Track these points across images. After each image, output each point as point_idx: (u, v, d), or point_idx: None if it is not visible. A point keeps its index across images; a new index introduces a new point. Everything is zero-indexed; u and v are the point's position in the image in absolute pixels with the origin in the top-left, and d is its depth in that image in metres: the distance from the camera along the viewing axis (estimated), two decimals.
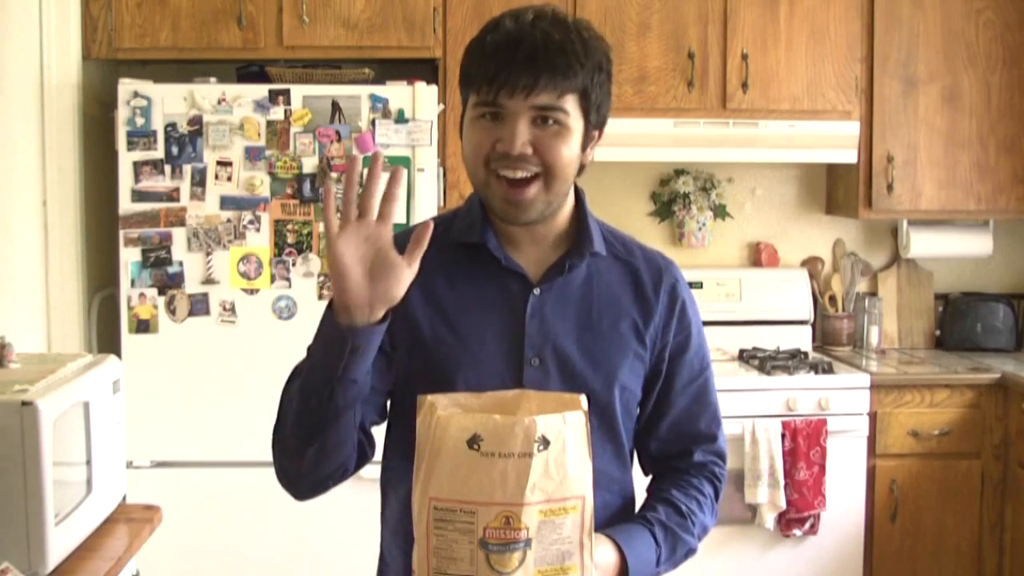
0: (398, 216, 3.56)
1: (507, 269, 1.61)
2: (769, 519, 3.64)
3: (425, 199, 3.46)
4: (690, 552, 1.66)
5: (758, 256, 4.32)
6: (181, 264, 3.45)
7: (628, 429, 1.68)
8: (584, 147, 1.59)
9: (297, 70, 3.62)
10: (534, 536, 1.38)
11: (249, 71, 3.72)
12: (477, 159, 1.55)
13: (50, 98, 3.46)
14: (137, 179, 3.44)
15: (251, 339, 3.46)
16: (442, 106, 3.64)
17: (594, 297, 1.64)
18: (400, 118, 3.46)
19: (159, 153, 3.43)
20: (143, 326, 3.46)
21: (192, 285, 3.45)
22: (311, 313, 3.45)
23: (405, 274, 1.44)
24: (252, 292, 3.47)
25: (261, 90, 3.47)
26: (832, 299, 4.29)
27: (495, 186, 1.55)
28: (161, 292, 3.45)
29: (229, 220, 3.45)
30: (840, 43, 3.94)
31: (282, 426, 1.61)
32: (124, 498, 2.50)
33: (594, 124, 1.59)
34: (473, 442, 1.37)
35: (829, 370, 3.82)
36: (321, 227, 3.45)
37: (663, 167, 4.28)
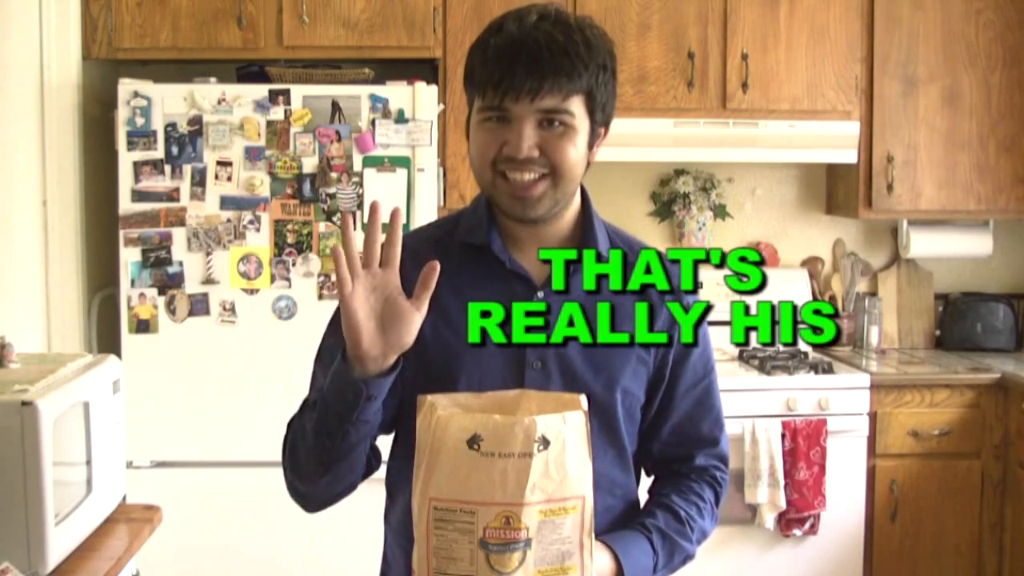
0: None
1: (511, 271, 1.61)
2: (769, 519, 3.64)
3: (425, 199, 3.46)
4: (688, 558, 1.66)
5: None
6: (181, 264, 3.45)
7: (631, 433, 1.67)
8: (591, 146, 1.59)
9: (297, 70, 3.62)
10: (534, 536, 1.38)
11: (249, 71, 3.72)
12: (484, 162, 1.55)
13: (50, 98, 3.46)
14: (137, 179, 3.44)
15: (251, 339, 3.46)
16: (442, 106, 3.64)
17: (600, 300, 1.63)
18: (400, 118, 3.46)
19: (159, 153, 3.43)
20: (143, 326, 3.46)
21: (192, 285, 3.45)
22: (311, 313, 3.45)
23: (415, 319, 1.46)
24: (252, 292, 3.47)
25: (261, 90, 3.46)
26: (832, 299, 4.29)
27: (502, 186, 1.55)
28: (161, 292, 3.45)
29: (229, 220, 3.45)
30: (840, 43, 3.94)
31: (294, 455, 1.60)
32: (124, 498, 2.50)
33: (600, 122, 1.58)
34: (473, 442, 1.37)
35: (829, 370, 3.82)
36: (321, 227, 3.46)
37: (663, 167, 4.28)
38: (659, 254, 1.73)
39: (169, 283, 3.45)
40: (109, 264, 3.62)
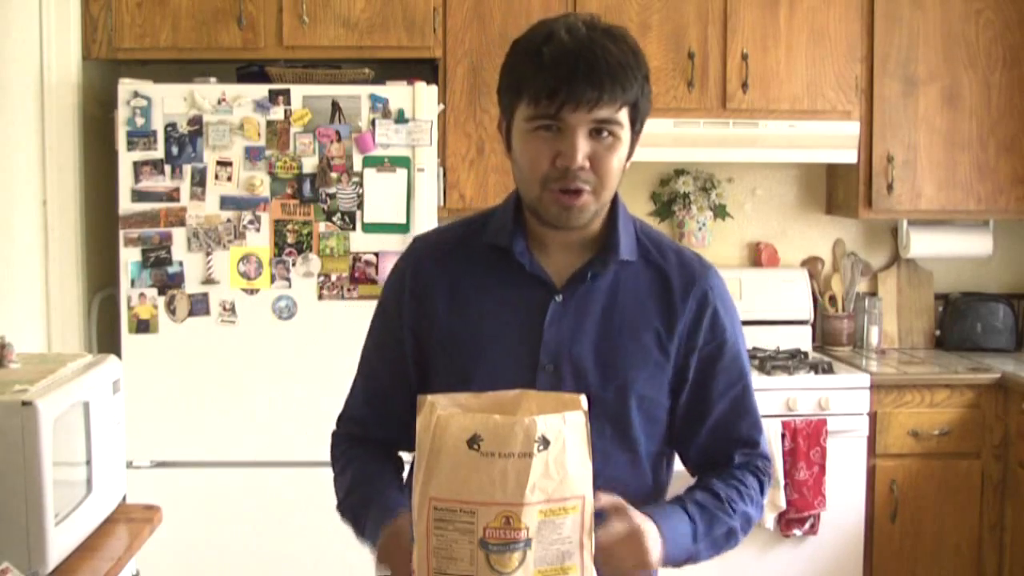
0: (399, 218, 3.58)
1: (531, 274, 1.62)
2: (769, 519, 3.64)
3: (425, 199, 3.46)
4: (731, 534, 1.65)
5: (758, 256, 4.32)
6: (181, 264, 3.45)
7: (650, 433, 1.67)
8: (628, 156, 1.61)
9: (297, 70, 3.62)
10: (534, 536, 1.38)
11: (249, 71, 3.72)
12: (535, 176, 1.56)
13: (50, 98, 3.46)
14: (137, 179, 3.44)
15: (251, 339, 3.46)
16: (442, 106, 3.64)
17: (617, 306, 1.63)
18: (400, 118, 3.46)
19: (159, 153, 3.44)
20: (143, 326, 3.46)
21: (192, 285, 3.45)
22: (311, 313, 3.45)
23: None
24: (252, 292, 3.47)
25: (261, 90, 3.47)
26: (832, 299, 4.29)
27: (548, 197, 1.56)
28: (161, 292, 3.45)
29: (229, 220, 3.45)
30: (840, 43, 3.94)
31: (336, 495, 1.75)
32: (124, 498, 2.50)
33: (637, 132, 1.61)
34: (473, 442, 1.37)
35: (829, 370, 3.82)
36: (321, 227, 3.46)
37: (663, 167, 4.28)
38: (693, 257, 1.72)
39: (169, 283, 3.45)
40: (109, 264, 3.62)
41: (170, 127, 3.43)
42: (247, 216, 3.45)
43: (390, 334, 1.71)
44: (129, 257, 3.45)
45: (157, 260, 3.45)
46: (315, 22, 3.68)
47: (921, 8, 3.97)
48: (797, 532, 3.68)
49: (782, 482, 3.62)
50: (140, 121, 3.43)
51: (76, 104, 3.55)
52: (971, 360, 4.07)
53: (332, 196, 3.45)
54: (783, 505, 3.62)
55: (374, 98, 3.47)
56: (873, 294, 4.35)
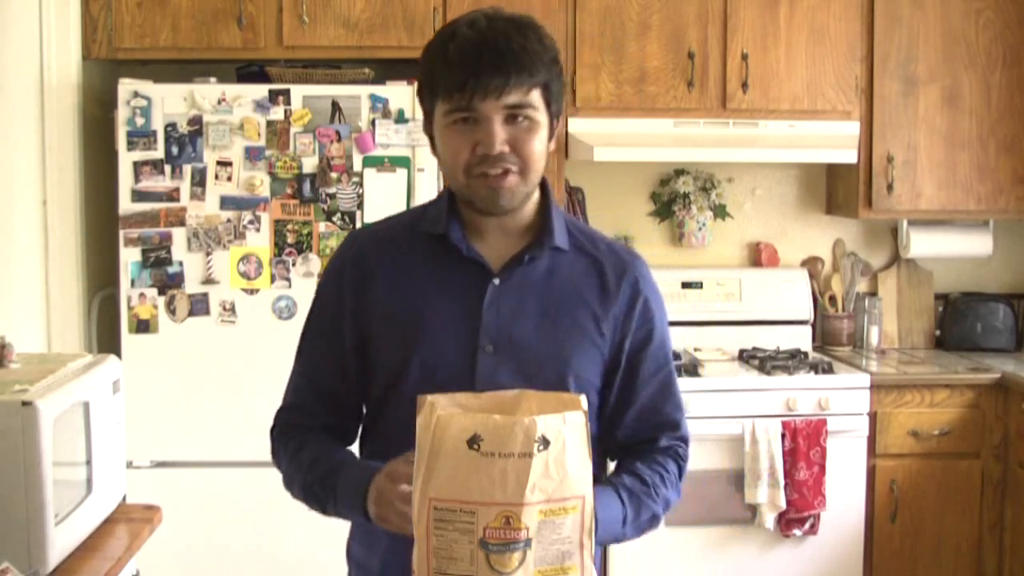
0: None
1: (468, 259, 1.67)
2: (769, 519, 3.64)
3: (425, 199, 3.44)
4: (654, 519, 1.69)
5: (758, 256, 4.32)
6: (181, 264, 3.45)
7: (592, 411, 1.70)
8: (550, 137, 1.67)
9: (297, 70, 3.62)
10: (534, 536, 1.38)
11: (249, 71, 3.72)
12: (457, 166, 1.61)
13: (50, 98, 3.46)
14: (137, 179, 3.44)
15: (251, 339, 3.46)
16: None
17: (554, 289, 1.68)
18: (400, 118, 3.46)
19: (159, 153, 3.44)
20: (143, 326, 3.46)
21: (192, 285, 3.45)
22: None
23: None
24: (252, 292, 3.47)
25: (261, 90, 3.47)
26: (832, 299, 4.29)
27: (476, 185, 1.61)
28: (161, 292, 3.45)
29: (229, 220, 3.45)
30: (840, 43, 3.94)
31: (288, 479, 1.78)
32: (124, 498, 2.50)
33: (555, 114, 1.67)
34: (473, 442, 1.37)
35: (829, 370, 3.82)
36: (322, 227, 3.46)
37: (663, 167, 4.27)
38: (621, 247, 1.79)
39: (169, 283, 3.45)
40: (109, 264, 3.62)
41: (170, 127, 3.44)
42: (247, 216, 3.45)
43: (330, 324, 1.74)
44: (129, 257, 3.45)
45: (157, 260, 3.45)
46: (315, 22, 3.68)
47: (921, 8, 3.97)
48: (797, 532, 3.68)
49: (782, 482, 3.62)
50: (140, 121, 3.43)
51: (76, 104, 3.55)
52: (971, 360, 4.07)
53: (332, 196, 3.46)
54: (783, 505, 3.62)
55: (374, 98, 3.47)
56: (873, 294, 4.35)
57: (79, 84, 3.57)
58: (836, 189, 4.27)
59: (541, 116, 1.62)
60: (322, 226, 3.46)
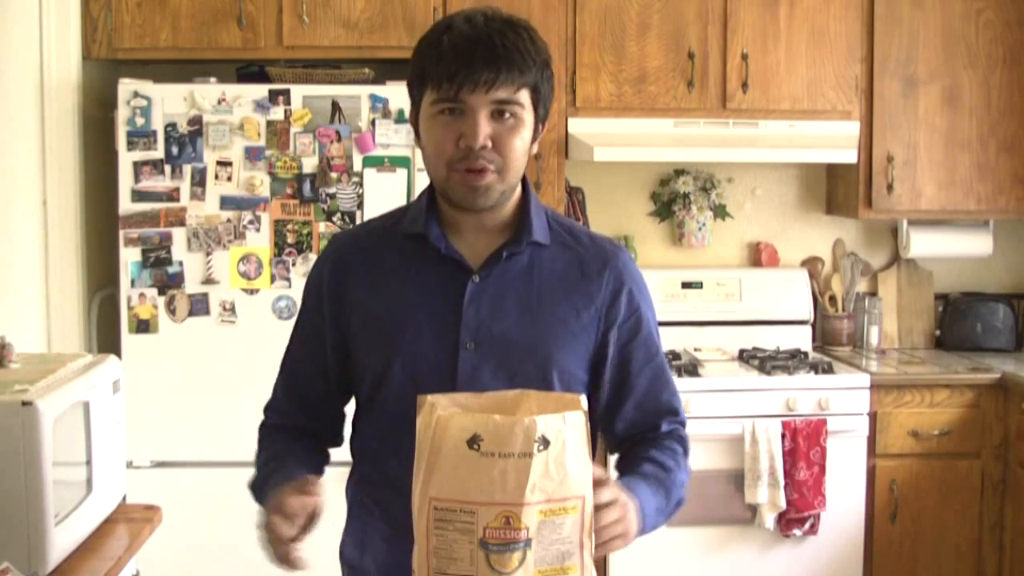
0: None
1: (447, 256, 1.68)
2: (769, 519, 3.64)
3: None
4: (680, 503, 1.71)
5: (758, 256, 4.32)
6: (181, 264, 3.45)
7: None
8: (533, 139, 1.67)
9: (297, 70, 3.62)
10: (534, 536, 1.38)
11: (249, 71, 3.72)
12: (440, 158, 1.62)
13: (50, 98, 3.46)
14: (137, 179, 3.44)
15: (251, 339, 3.46)
16: None
17: (535, 284, 1.69)
18: (400, 118, 3.46)
19: (159, 153, 3.44)
20: (143, 326, 3.46)
21: (192, 285, 3.45)
22: None
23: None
24: (252, 292, 3.47)
25: (261, 90, 3.47)
26: (832, 299, 4.29)
27: (455, 178, 1.62)
28: (161, 292, 3.45)
29: (229, 220, 3.45)
30: (840, 43, 3.94)
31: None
32: (124, 498, 2.50)
33: (541, 117, 1.67)
34: (473, 442, 1.37)
35: (829, 370, 3.82)
36: (321, 227, 3.46)
37: (663, 167, 4.27)
38: (604, 239, 1.79)
39: (169, 283, 3.45)
40: (109, 264, 3.62)
41: (170, 127, 3.44)
42: (247, 216, 3.45)
43: (311, 328, 1.77)
44: (129, 257, 3.45)
45: (157, 260, 3.45)
46: (315, 22, 3.68)
47: (921, 8, 3.97)
48: (797, 532, 3.68)
49: (782, 482, 3.62)
50: (140, 121, 3.43)
51: (76, 104, 3.55)
52: (971, 360, 4.07)
53: (332, 196, 3.46)
54: (783, 505, 3.62)
55: (374, 98, 3.47)
56: (873, 294, 4.35)
57: (79, 84, 3.57)
58: (836, 189, 4.27)
59: (527, 116, 1.62)
60: (322, 226, 3.46)
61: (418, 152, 3.43)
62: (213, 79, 3.53)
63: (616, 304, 1.72)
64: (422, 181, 3.46)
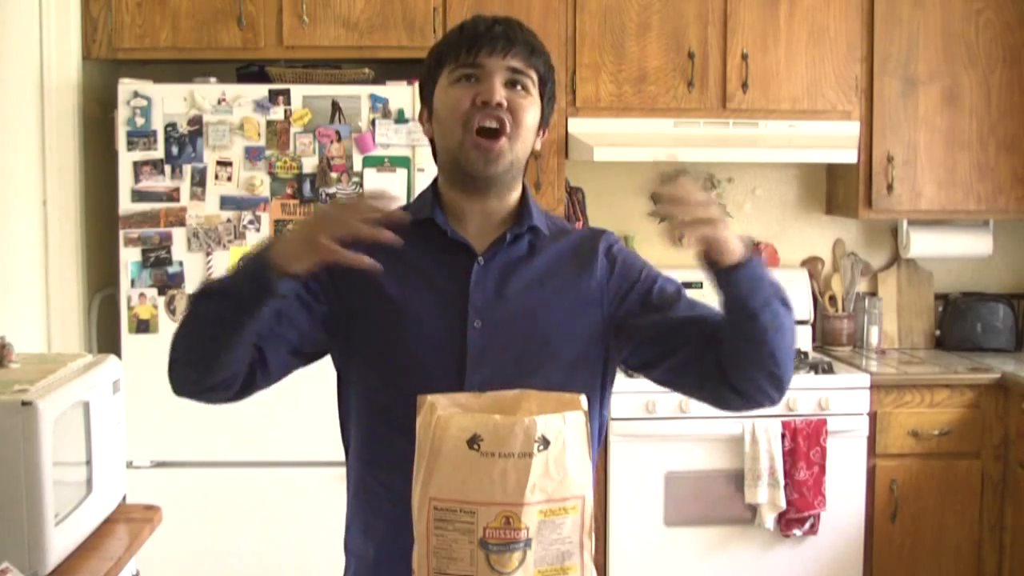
0: None
1: (453, 241, 1.73)
2: (769, 519, 3.64)
3: None
4: (789, 309, 1.70)
5: None
6: (181, 264, 3.45)
7: (580, 384, 1.66)
8: (539, 127, 1.75)
9: (297, 70, 3.62)
10: (534, 536, 1.38)
11: (249, 71, 3.72)
12: (456, 117, 1.68)
13: (50, 98, 3.46)
14: (137, 179, 3.44)
15: None
16: None
17: (536, 265, 1.75)
18: (400, 118, 3.46)
19: (159, 153, 3.44)
20: (143, 326, 3.46)
21: (192, 285, 3.45)
22: None
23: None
24: None
25: (261, 90, 3.47)
26: (832, 299, 4.29)
27: (468, 141, 1.68)
28: (161, 292, 3.45)
29: (229, 220, 3.45)
30: (840, 43, 3.94)
31: (185, 330, 1.70)
32: (124, 498, 2.50)
33: (545, 115, 1.75)
34: (473, 442, 1.37)
35: (829, 370, 3.82)
36: None
37: (663, 167, 4.27)
38: (592, 227, 1.90)
39: (169, 283, 3.45)
40: (109, 264, 3.62)
41: (170, 127, 3.44)
42: (247, 216, 3.45)
43: (308, 289, 1.71)
44: (129, 257, 3.45)
45: (157, 260, 3.45)
46: (315, 22, 3.68)
47: (921, 8, 3.97)
48: (797, 532, 3.68)
49: (782, 482, 3.62)
50: (140, 121, 3.43)
51: (76, 104, 3.55)
52: (971, 360, 4.07)
53: (332, 196, 3.46)
54: (783, 505, 3.62)
55: (374, 98, 3.47)
56: (873, 294, 4.35)
57: (79, 84, 3.57)
58: (836, 189, 4.27)
59: (535, 96, 1.71)
60: None
61: (419, 152, 3.45)
62: (213, 79, 3.53)
63: (616, 274, 1.78)
64: (422, 181, 3.47)
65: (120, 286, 3.47)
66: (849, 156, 3.95)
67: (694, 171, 4.25)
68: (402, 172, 3.47)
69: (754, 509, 3.66)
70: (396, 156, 3.46)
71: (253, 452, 3.42)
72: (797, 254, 4.37)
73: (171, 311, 3.45)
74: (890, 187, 3.99)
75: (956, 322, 4.27)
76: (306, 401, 3.39)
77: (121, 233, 3.45)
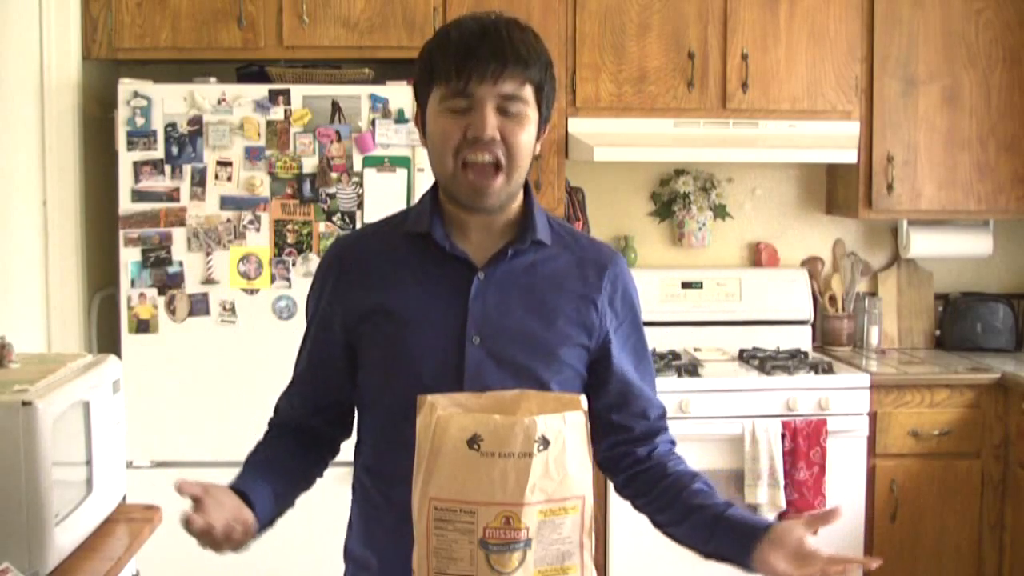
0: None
1: (451, 255, 1.70)
2: (769, 519, 3.63)
3: None
4: None
5: (758, 256, 4.32)
6: (181, 264, 3.45)
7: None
8: (537, 138, 1.69)
9: (297, 70, 3.62)
10: (534, 536, 1.38)
11: (249, 71, 3.72)
12: (446, 149, 1.64)
13: (50, 98, 3.46)
14: (137, 179, 3.44)
15: (251, 339, 3.46)
16: None
17: (537, 281, 1.72)
18: (400, 118, 3.46)
19: (159, 153, 3.44)
20: (143, 326, 3.46)
21: (192, 285, 3.45)
22: None
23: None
24: (252, 292, 3.47)
25: (261, 90, 3.47)
26: (832, 299, 4.29)
27: (462, 176, 1.64)
28: (161, 292, 3.45)
29: (229, 220, 3.45)
30: (840, 43, 3.94)
31: None
32: (124, 498, 2.50)
33: (545, 117, 1.70)
34: (473, 442, 1.37)
35: (829, 370, 3.82)
36: (321, 227, 3.46)
37: (663, 167, 4.27)
38: (601, 243, 1.84)
39: (169, 283, 3.45)
40: (109, 264, 3.62)
41: (170, 127, 3.44)
42: (247, 216, 3.45)
43: (324, 323, 1.78)
44: (129, 257, 3.45)
45: (157, 260, 3.45)
46: (315, 22, 3.68)
47: (921, 8, 3.97)
48: None
49: (782, 482, 3.62)
50: (140, 121, 3.43)
51: (76, 104, 3.55)
52: (971, 360, 4.07)
53: (332, 196, 3.45)
54: (783, 505, 3.62)
55: (374, 98, 3.47)
56: (873, 294, 4.35)
57: (79, 84, 3.57)
58: (836, 189, 4.27)
59: (531, 113, 1.64)
60: (322, 226, 3.46)
61: (418, 152, 3.45)
62: (213, 79, 3.52)
63: (614, 306, 1.75)
64: (422, 181, 3.47)
65: (120, 286, 3.47)
66: (849, 156, 3.95)
67: (694, 171, 4.25)
68: (402, 172, 3.47)
69: (754, 509, 3.66)
70: (396, 156, 3.46)
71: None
72: (797, 254, 4.37)
73: (171, 311, 3.45)
74: (890, 187, 3.99)
75: (956, 322, 4.27)
76: None
77: (121, 233, 3.45)
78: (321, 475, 1.84)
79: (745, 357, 4.01)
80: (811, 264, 4.34)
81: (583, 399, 1.45)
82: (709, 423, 3.59)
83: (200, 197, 3.44)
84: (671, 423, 1.83)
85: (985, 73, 4.01)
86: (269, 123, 3.45)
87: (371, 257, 1.74)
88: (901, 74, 3.98)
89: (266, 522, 1.69)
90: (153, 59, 3.75)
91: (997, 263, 4.39)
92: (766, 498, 3.62)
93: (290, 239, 3.46)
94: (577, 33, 3.83)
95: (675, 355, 3.94)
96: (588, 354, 1.74)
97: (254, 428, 3.64)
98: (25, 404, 1.96)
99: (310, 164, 3.45)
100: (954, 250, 4.26)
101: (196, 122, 3.44)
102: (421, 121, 1.72)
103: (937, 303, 4.38)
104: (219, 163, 3.44)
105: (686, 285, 4.11)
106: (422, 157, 3.45)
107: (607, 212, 4.21)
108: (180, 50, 3.68)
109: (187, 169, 3.44)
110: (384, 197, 3.44)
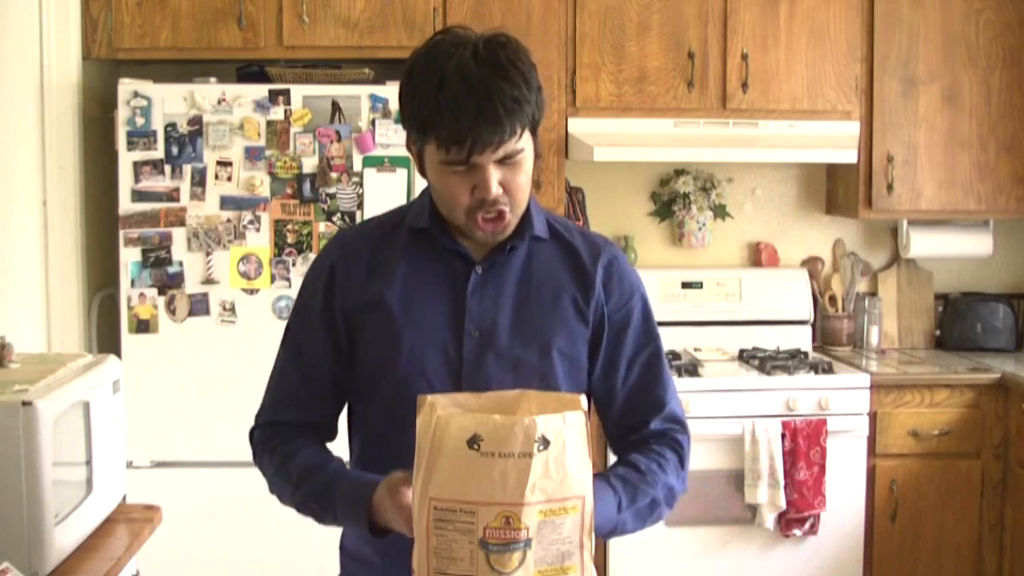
0: None
1: (451, 250, 1.73)
2: (769, 519, 3.64)
3: None
4: (655, 504, 1.70)
5: (758, 256, 4.32)
6: (181, 264, 3.45)
7: (580, 390, 1.73)
8: (536, 157, 1.71)
9: (297, 70, 3.62)
10: (534, 536, 1.38)
11: (249, 71, 3.72)
12: (455, 205, 1.66)
13: (50, 98, 3.46)
14: (137, 179, 3.44)
15: (251, 339, 3.46)
16: None
17: (534, 274, 1.75)
18: (400, 118, 3.46)
19: (159, 153, 3.44)
20: (143, 326, 3.46)
21: (192, 285, 3.45)
22: None
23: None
24: (252, 292, 3.47)
25: (261, 90, 3.47)
26: (832, 299, 4.29)
27: (473, 224, 1.67)
28: (161, 292, 3.45)
29: (229, 220, 3.45)
30: (840, 43, 3.94)
31: (277, 489, 1.86)
32: (124, 498, 2.50)
33: (538, 135, 1.70)
34: (473, 442, 1.37)
35: (829, 370, 3.82)
36: (321, 227, 3.46)
37: (663, 167, 4.27)
38: (595, 234, 1.85)
39: (169, 283, 3.45)
40: (109, 264, 3.62)
41: (170, 127, 3.44)
42: (247, 216, 3.45)
43: (320, 315, 1.77)
44: (129, 257, 3.45)
45: (157, 260, 3.45)
46: (315, 22, 3.68)
47: (921, 8, 3.97)
48: (797, 532, 3.68)
49: (782, 482, 3.62)
50: (140, 121, 3.43)
51: (76, 104, 3.55)
52: (971, 360, 4.07)
53: (332, 196, 3.46)
54: (783, 505, 3.62)
55: (374, 98, 3.47)
56: (873, 294, 4.35)
57: (79, 84, 3.57)
58: (836, 189, 4.27)
59: (528, 151, 1.66)
60: (322, 226, 3.46)
61: None
62: (213, 79, 3.53)
63: (610, 294, 1.77)
64: (422, 181, 3.45)
65: (120, 286, 3.47)
66: (849, 156, 3.95)
67: (694, 171, 4.25)
68: (402, 172, 3.47)
69: (754, 509, 3.66)
70: (396, 156, 3.46)
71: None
72: (797, 254, 4.37)
73: (171, 311, 3.46)
74: (890, 187, 3.99)
75: (956, 322, 4.27)
76: None
77: (121, 233, 3.45)
78: None
79: (745, 357, 4.01)
80: (811, 264, 4.34)
81: (583, 399, 1.45)
82: (709, 423, 3.59)
83: (200, 197, 3.44)
84: None
85: (985, 73, 4.01)
86: (269, 123, 3.45)
87: (372, 251, 1.76)
88: (901, 74, 3.98)
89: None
90: (153, 59, 3.76)
91: (997, 263, 4.39)
92: (766, 498, 3.62)
93: (290, 239, 3.46)
94: (577, 33, 3.84)
95: (675, 355, 3.94)
96: (588, 344, 1.75)
97: None
98: (25, 404, 1.96)
99: (310, 164, 3.46)
100: (954, 250, 4.26)
101: (196, 122, 3.44)
102: (418, 156, 1.70)
103: (937, 303, 4.38)
104: (219, 163, 3.44)
105: (686, 285, 4.11)
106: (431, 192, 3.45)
107: (607, 212, 4.21)
108: (180, 50, 3.68)
109: (187, 169, 3.44)
110: (384, 197, 3.44)
